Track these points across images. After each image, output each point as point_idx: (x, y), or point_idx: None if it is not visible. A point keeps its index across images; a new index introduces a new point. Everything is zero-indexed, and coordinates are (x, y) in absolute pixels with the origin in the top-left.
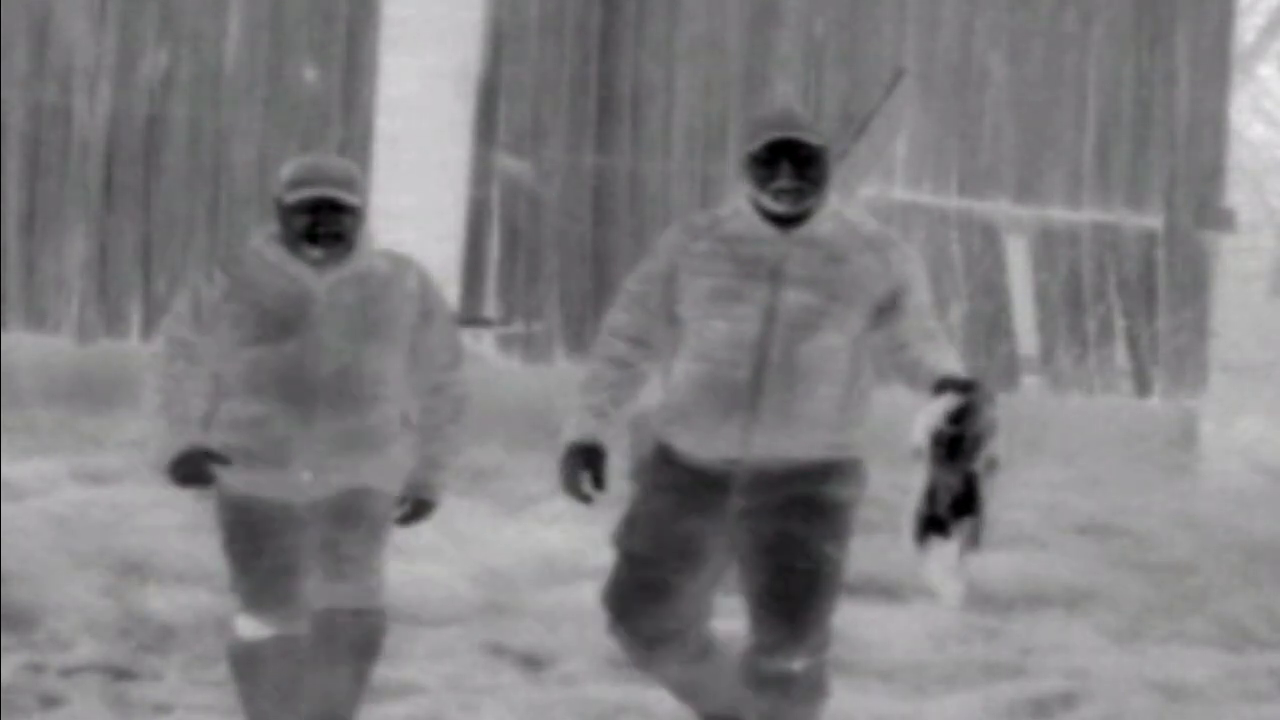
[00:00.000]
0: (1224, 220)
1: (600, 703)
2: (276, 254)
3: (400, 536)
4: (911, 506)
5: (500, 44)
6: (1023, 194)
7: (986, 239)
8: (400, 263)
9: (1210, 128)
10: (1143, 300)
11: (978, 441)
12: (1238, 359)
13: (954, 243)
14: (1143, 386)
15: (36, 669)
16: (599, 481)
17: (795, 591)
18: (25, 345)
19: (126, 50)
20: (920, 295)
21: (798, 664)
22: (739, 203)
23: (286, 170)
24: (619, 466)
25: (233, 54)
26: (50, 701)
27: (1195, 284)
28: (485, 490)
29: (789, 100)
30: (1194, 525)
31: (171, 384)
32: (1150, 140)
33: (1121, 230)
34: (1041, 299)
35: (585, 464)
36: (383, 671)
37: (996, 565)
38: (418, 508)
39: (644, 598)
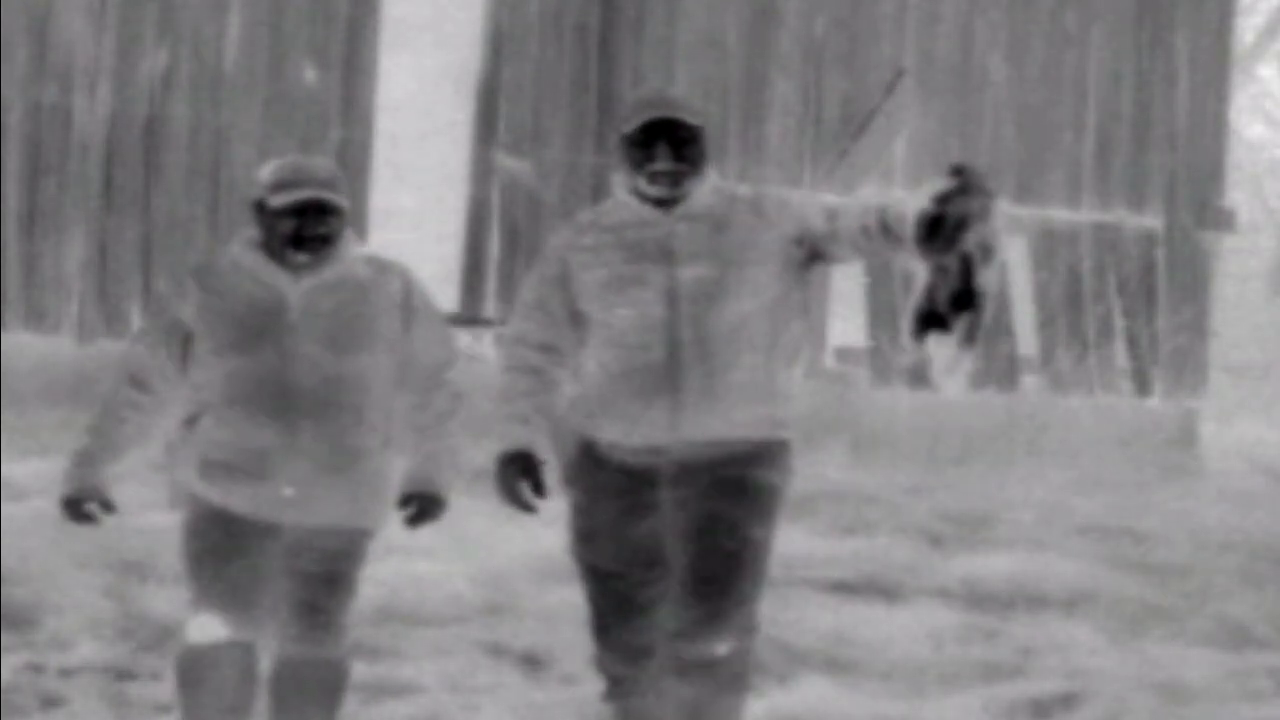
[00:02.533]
0: (1224, 220)
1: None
2: (253, 259)
3: (400, 536)
4: (911, 303)
5: (500, 44)
6: (1023, 194)
7: None
8: (383, 268)
9: (1210, 128)
10: (1143, 300)
11: (962, 221)
12: (1238, 359)
13: None
14: (1143, 386)
15: (36, 669)
16: (539, 488)
17: (719, 572)
18: (25, 345)
19: (126, 50)
20: (821, 212)
21: (721, 648)
22: (619, 195)
23: (267, 173)
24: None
25: (233, 54)
26: (50, 701)
27: (1195, 284)
28: (485, 490)
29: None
30: (1194, 525)
31: (103, 411)
32: (1150, 140)
33: (1121, 230)
34: (1041, 299)
35: (521, 472)
36: (383, 671)
37: (996, 565)
38: (425, 505)
39: (621, 612)
